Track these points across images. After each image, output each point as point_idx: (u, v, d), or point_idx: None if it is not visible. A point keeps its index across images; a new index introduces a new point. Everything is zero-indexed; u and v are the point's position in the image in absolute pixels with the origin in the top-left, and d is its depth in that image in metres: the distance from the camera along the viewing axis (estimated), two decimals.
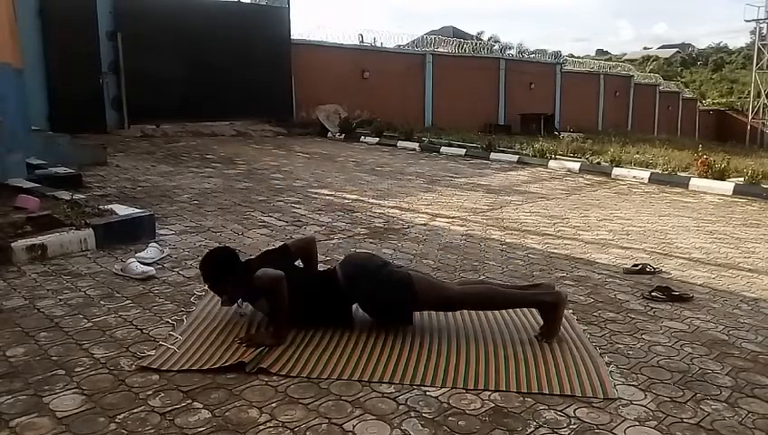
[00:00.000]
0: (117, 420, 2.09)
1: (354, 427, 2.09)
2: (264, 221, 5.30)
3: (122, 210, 4.70)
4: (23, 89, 6.78)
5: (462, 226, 5.51)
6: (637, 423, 2.18)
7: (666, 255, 4.74)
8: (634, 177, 8.99)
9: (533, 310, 3.06)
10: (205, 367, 2.48)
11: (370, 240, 4.81)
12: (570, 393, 2.37)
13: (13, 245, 3.84)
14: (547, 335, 2.85)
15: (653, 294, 3.64)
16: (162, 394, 2.27)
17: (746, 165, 8.88)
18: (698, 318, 3.32)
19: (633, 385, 2.47)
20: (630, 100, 28.12)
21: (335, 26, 36.70)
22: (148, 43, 12.23)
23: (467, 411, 2.22)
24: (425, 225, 5.47)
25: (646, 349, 2.85)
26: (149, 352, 2.60)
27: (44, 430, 2.03)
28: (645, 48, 72.90)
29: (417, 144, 12.49)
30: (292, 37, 15.27)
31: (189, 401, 2.23)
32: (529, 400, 2.32)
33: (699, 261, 4.61)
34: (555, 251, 4.71)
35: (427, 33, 26.19)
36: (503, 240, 5.01)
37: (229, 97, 13.48)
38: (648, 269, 4.18)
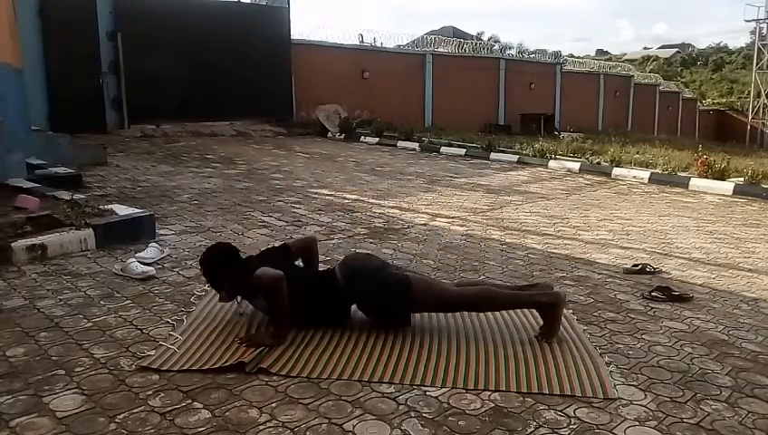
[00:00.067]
0: (117, 420, 2.09)
1: (354, 427, 2.09)
2: (264, 221, 5.30)
3: (122, 210, 4.70)
4: (23, 89, 6.78)
5: (462, 226, 5.51)
6: (637, 423, 2.18)
7: (666, 255, 4.74)
8: (634, 177, 8.99)
9: (533, 310, 3.06)
10: (205, 367, 2.48)
11: (370, 240, 4.81)
12: (570, 393, 2.37)
13: (13, 245, 3.84)
14: (547, 335, 2.85)
15: (653, 294, 3.64)
16: (162, 394, 2.27)
17: (746, 165, 8.88)
18: (698, 318, 3.32)
19: (633, 385, 2.47)
20: (630, 100, 28.12)
21: (335, 26, 36.74)
22: (148, 43, 12.23)
23: (467, 411, 2.22)
24: (425, 225, 5.47)
25: (646, 349, 2.85)
26: (149, 352, 2.60)
27: (44, 430, 2.03)
28: (645, 48, 72.96)
29: (417, 144, 12.49)
30: (292, 37, 15.27)
31: (189, 401, 2.23)
32: (529, 400, 2.32)
33: (699, 261, 4.61)
34: (555, 251, 4.71)
35: (427, 33, 26.20)
36: (503, 240, 5.01)
37: (229, 97, 13.48)
38: (648, 269, 4.18)
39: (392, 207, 6.18)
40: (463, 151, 11.64)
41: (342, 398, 2.29)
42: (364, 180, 7.89)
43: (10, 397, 2.23)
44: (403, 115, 16.55)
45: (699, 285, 3.96)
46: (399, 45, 20.98)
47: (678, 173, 8.89)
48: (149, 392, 2.28)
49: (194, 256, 4.02)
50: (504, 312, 3.15)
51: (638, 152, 10.83)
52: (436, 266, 4.14)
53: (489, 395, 2.34)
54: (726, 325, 3.22)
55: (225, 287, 2.97)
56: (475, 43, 24.95)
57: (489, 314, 3.14)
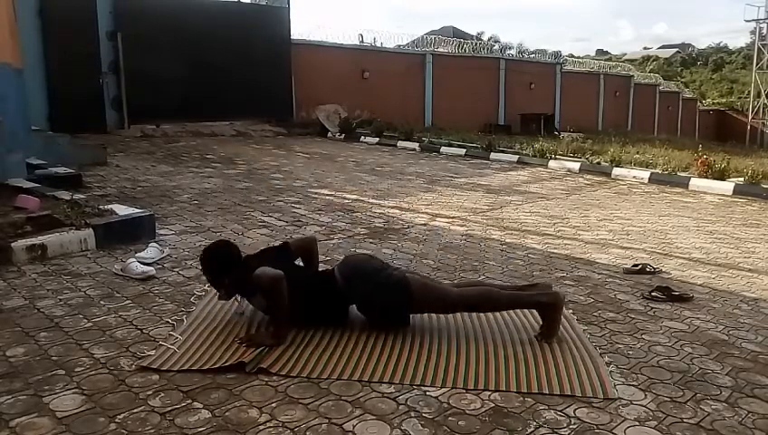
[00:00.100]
0: (117, 420, 2.09)
1: (354, 427, 2.09)
2: (264, 221, 5.30)
3: (122, 210, 4.70)
4: (23, 89, 6.78)
5: (462, 226, 5.51)
6: (637, 423, 2.18)
7: (666, 255, 4.74)
8: (634, 177, 8.99)
9: (533, 310, 3.06)
10: (205, 367, 2.48)
11: (370, 240, 4.81)
12: (570, 393, 2.37)
13: (13, 245, 3.84)
14: (546, 335, 2.86)
15: (653, 294, 3.64)
16: (162, 394, 2.27)
17: (746, 165, 8.88)
18: (698, 318, 3.32)
19: (633, 385, 2.47)
20: (630, 100, 28.12)
21: (335, 26, 36.74)
22: (148, 43, 12.23)
23: (467, 411, 2.22)
24: (425, 225, 5.47)
25: (646, 349, 2.85)
26: (149, 352, 2.60)
27: (44, 430, 2.03)
28: (645, 48, 72.95)
29: (417, 144, 12.49)
30: (292, 37, 15.27)
31: (189, 401, 2.23)
32: (529, 400, 2.32)
33: (699, 261, 4.61)
34: (555, 251, 4.71)
35: (427, 33, 26.20)
36: (503, 240, 5.01)
37: (229, 97, 13.48)
38: (648, 269, 4.18)
39: (392, 207, 6.18)
40: (463, 151, 11.64)
41: (342, 398, 2.29)
42: (364, 180, 7.89)
43: (10, 397, 2.23)
44: (403, 115, 16.55)
45: (699, 285, 3.96)
46: (399, 45, 20.99)
47: (678, 173, 8.89)
48: (149, 392, 2.28)
49: (194, 256, 4.02)
50: (503, 312, 3.15)
51: (638, 152, 10.83)
52: (436, 266, 4.14)
53: (489, 395, 2.34)
54: (726, 325, 3.22)
55: (225, 285, 2.97)
56: (475, 43, 24.96)
57: (489, 314, 3.14)
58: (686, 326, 3.18)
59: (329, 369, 2.50)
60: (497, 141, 12.19)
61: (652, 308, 3.45)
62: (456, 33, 33.47)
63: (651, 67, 51.63)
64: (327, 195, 6.73)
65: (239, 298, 3.05)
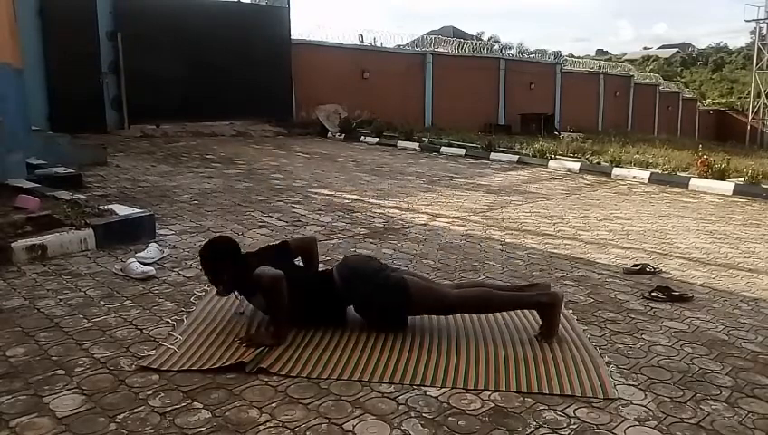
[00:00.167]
0: (117, 420, 2.09)
1: (354, 427, 2.09)
2: (264, 221, 5.30)
3: (122, 210, 4.70)
4: (23, 89, 6.78)
5: (462, 226, 5.51)
6: (637, 423, 2.18)
7: (666, 255, 4.74)
8: (634, 177, 8.99)
9: (533, 310, 3.06)
10: (205, 367, 2.48)
11: (370, 240, 4.81)
12: (570, 393, 2.37)
13: (13, 245, 3.84)
14: (546, 335, 2.86)
15: (653, 294, 3.64)
16: (162, 394, 2.27)
17: (746, 165, 8.88)
18: (698, 318, 3.32)
19: (633, 385, 2.47)
20: (630, 100, 28.12)
21: (335, 26, 36.73)
22: (148, 43, 12.23)
23: (467, 411, 2.22)
24: (425, 225, 5.47)
25: (646, 349, 2.85)
26: (149, 352, 2.60)
27: (44, 430, 2.03)
28: (645, 48, 72.95)
29: (417, 144, 12.49)
30: (292, 37, 15.27)
31: (189, 401, 2.23)
32: (529, 400, 2.32)
33: (699, 261, 4.61)
34: (555, 251, 4.71)
35: (427, 33, 26.20)
36: (503, 240, 5.01)
37: (229, 97, 13.48)
38: (648, 269, 4.18)
39: (392, 207, 6.18)
40: (463, 151, 11.64)
41: (342, 398, 2.29)
42: (364, 180, 7.89)
43: (10, 397, 2.23)
44: (403, 115, 16.55)
45: (699, 285, 3.96)
46: (399, 45, 20.99)
47: (678, 173, 8.89)
48: (149, 392, 2.28)
49: (194, 256, 4.02)
50: (503, 312, 3.15)
51: (638, 152, 10.83)
52: (436, 266, 4.14)
53: (489, 395, 2.34)
54: (726, 325, 3.22)
55: (224, 281, 2.96)
56: (475, 43, 24.95)
57: (489, 314, 3.14)
58: (686, 326, 3.18)
59: (329, 369, 2.50)
60: (497, 141, 12.19)
61: (652, 308, 3.45)
62: (456, 33, 33.46)
63: (651, 67, 51.63)
64: (327, 195, 6.73)
65: (239, 296, 3.05)
